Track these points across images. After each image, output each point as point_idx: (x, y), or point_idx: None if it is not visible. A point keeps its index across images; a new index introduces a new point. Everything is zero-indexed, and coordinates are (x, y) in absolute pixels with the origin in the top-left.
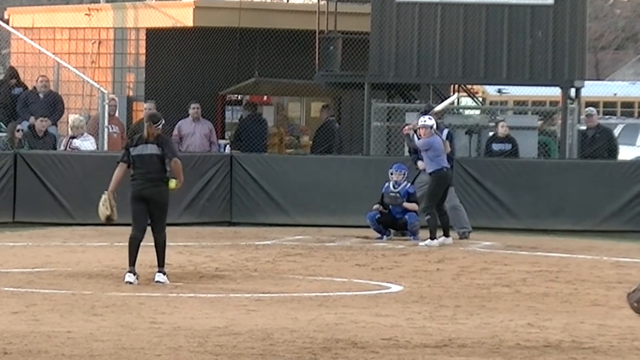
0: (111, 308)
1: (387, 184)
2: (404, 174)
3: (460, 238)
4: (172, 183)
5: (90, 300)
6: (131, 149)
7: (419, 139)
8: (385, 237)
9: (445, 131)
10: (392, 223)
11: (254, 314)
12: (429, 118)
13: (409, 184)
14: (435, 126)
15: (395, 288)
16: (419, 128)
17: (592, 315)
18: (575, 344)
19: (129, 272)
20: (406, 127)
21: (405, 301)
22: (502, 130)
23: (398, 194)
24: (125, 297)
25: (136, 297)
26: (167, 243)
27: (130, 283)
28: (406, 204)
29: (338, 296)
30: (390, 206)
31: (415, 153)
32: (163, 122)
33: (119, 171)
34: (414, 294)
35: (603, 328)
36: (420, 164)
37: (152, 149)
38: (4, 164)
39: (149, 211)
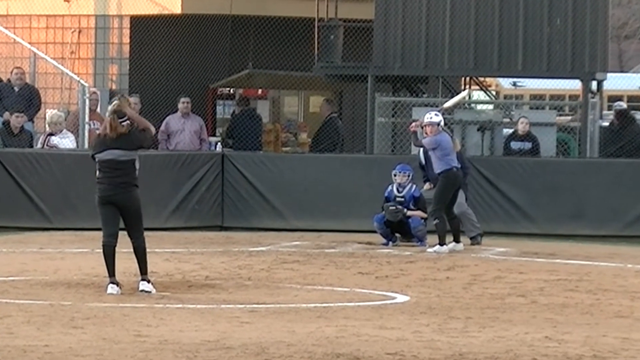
0: (92, 320)
1: (390, 187)
2: (409, 176)
3: (472, 244)
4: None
5: (69, 311)
6: (96, 156)
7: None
8: (390, 242)
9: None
10: (399, 227)
11: (247, 326)
12: (436, 114)
13: (415, 187)
14: (442, 122)
15: (401, 298)
16: (425, 125)
17: (616, 327)
18: (597, 359)
19: (111, 283)
20: (413, 124)
21: (412, 312)
22: (522, 127)
23: (403, 199)
24: (108, 308)
25: (119, 308)
26: (154, 250)
27: (113, 294)
28: (410, 212)
29: (339, 307)
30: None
31: (423, 169)
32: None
33: None
34: (422, 305)
35: (627, 342)
36: (426, 185)
37: (118, 154)
38: None
39: (123, 217)
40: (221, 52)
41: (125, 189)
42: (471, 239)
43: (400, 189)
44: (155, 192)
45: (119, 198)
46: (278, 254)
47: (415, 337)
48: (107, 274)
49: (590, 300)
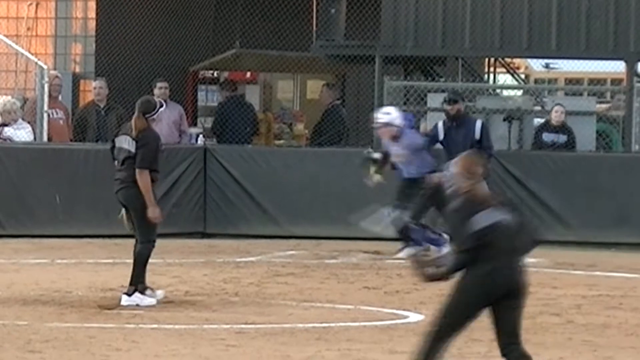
0: (52, 343)
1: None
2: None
3: None
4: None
5: (25, 332)
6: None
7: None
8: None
9: (478, 123)
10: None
11: (234, 350)
12: (386, 113)
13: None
14: (400, 119)
15: (414, 317)
16: (380, 128)
17: None
18: None
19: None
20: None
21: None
22: (556, 116)
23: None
24: (70, 328)
25: (84, 329)
26: (124, 260)
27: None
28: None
29: (341, 327)
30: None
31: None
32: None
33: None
34: None
35: None
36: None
37: (129, 143)
38: None
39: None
40: (203, 28)
41: (127, 185)
42: None
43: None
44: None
45: (120, 195)
46: (270, 266)
47: None
48: (69, 288)
49: (635, 320)
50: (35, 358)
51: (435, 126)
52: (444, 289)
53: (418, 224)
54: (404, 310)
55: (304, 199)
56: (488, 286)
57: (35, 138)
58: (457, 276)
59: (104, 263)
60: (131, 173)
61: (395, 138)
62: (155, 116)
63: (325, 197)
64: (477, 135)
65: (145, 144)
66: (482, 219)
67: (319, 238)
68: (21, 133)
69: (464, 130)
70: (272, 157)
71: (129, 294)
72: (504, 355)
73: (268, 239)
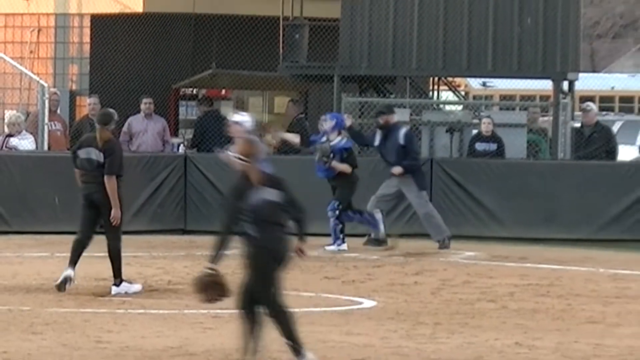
0: (52, 326)
1: (322, 136)
2: (336, 123)
3: (440, 248)
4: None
5: (28, 317)
6: (78, 152)
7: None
8: (337, 245)
9: (402, 131)
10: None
11: (210, 332)
12: (242, 115)
13: (345, 139)
14: (249, 124)
15: (368, 303)
16: (231, 125)
17: (587, 333)
18: None
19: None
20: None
21: (379, 318)
22: (485, 127)
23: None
24: (68, 313)
25: (80, 314)
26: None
27: (65, 282)
28: (335, 164)
29: (305, 312)
30: (317, 162)
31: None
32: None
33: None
34: (389, 310)
35: (599, 348)
36: (395, 169)
37: (96, 154)
38: None
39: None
40: (184, 51)
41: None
42: (438, 242)
43: (330, 139)
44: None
45: (96, 197)
46: (241, 259)
47: (382, 343)
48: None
49: (561, 306)
50: (37, 339)
51: (374, 133)
52: (395, 278)
53: (352, 211)
54: (359, 297)
55: None
56: (272, 251)
57: (37, 147)
58: (244, 255)
59: (97, 256)
60: (102, 180)
61: (240, 138)
62: (112, 127)
63: None
64: (401, 141)
65: (112, 153)
66: (253, 196)
67: None
68: (24, 143)
69: (392, 138)
70: None
71: (117, 285)
72: (268, 311)
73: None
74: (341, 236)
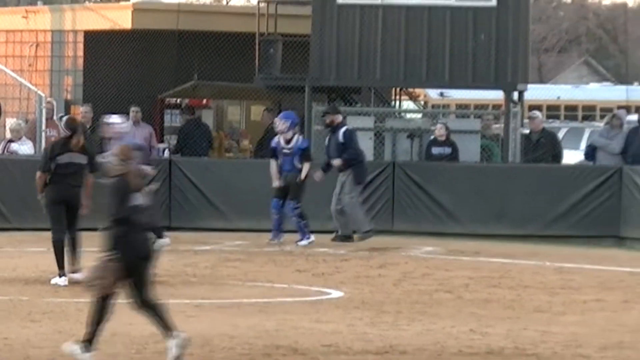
0: (48, 314)
1: (277, 138)
2: (290, 124)
3: (360, 239)
4: None
5: (27, 306)
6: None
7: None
8: (277, 239)
9: (342, 130)
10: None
11: (192, 320)
12: (115, 117)
13: (301, 138)
14: (123, 127)
15: (336, 294)
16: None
17: (535, 321)
18: (518, 350)
19: (61, 275)
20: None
21: (346, 307)
22: (439, 132)
23: (290, 150)
24: (63, 303)
25: (74, 303)
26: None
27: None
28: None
29: (278, 302)
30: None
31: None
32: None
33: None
34: (355, 300)
35: (546, 335)
36: (335, 161)
37: (78, 157)
38: None
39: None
40: (169, 64)
41: (77, 189)
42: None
43: (287, 141)
44: (106, 197)
45: (70, 195)
46: (221, 253)
47: (349, 330)
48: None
49: (511, 296)
50: (35, 326)
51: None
52: (360, 271)
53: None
54: (327, 288)
55: (248, 200)
56: (138, 251)
57: (35, 151)
58: (114, 250)
59: (90, 251)
60: (81, 180)
61: (113, 138)
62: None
63: (265, 198)
64: (341, 139)
65: (92, 154)
66: (132, 200)
67: (260, 231)
68: (24, 148)
69: (335, 136)
70: (224, 166)
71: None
72: (140, 303)
73: (220, 232)
74: (306, 230)
